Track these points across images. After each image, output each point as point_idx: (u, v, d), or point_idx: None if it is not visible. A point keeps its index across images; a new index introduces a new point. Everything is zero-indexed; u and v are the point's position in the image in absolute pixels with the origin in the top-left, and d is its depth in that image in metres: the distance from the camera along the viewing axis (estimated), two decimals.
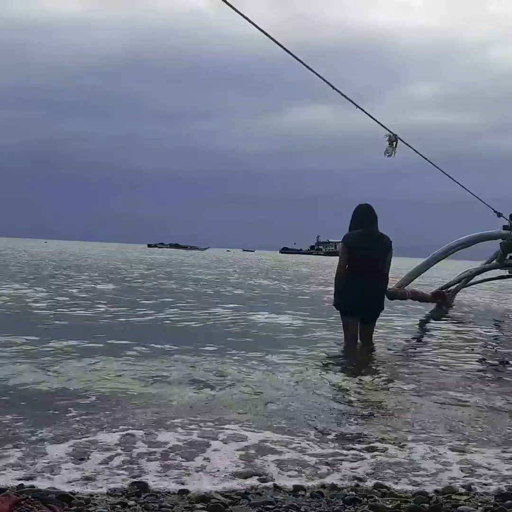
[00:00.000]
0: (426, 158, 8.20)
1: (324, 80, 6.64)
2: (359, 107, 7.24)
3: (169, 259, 44.63)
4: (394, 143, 7.15)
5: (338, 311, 7.38)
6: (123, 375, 5.29)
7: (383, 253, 7.03)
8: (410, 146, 7.64)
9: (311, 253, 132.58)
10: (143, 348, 6.64)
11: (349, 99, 7.03)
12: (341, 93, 6.91)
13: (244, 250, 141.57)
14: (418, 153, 7.96)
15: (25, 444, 3.40)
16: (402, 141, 7.32)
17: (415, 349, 8.02)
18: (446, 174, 8.76)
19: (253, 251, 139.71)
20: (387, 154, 7.20)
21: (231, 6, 5.33)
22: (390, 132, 7.17)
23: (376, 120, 7.27)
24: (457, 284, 13.40)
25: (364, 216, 7.05)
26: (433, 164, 8.42)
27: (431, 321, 11.13)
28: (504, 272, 13.91)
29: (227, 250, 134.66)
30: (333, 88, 6.79)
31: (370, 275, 6.92)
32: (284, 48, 6.12)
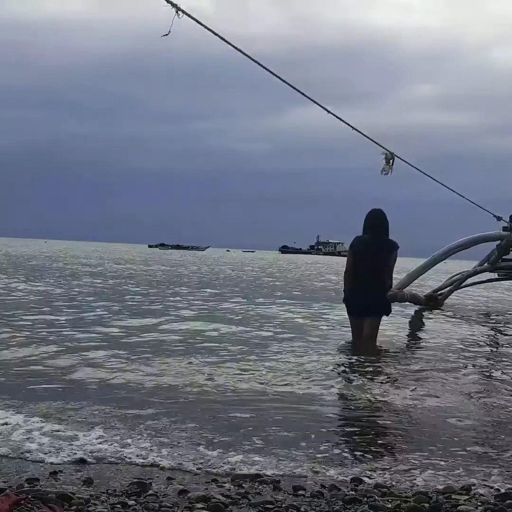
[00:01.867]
0: (426, 174, 8.36)
1: (321, 106, 6.75)
2: (356, 129, 7.34)
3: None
4: (391, 161, 7.27)
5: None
6: None
7: (383, 258, 7.30)
8: (407, 163, 7.75)
9: (311, 253, 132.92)
10: None
11: (346, 123, 7.12)
12: (338, 117, 7.02)
13: (244, 251, 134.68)
14: (417, 169, 8.09)
15: None
16: (400, 158, 7.43)
17: (413, 350, 8.09)
18: (446, 186, 8.91)
19: (254, 251, 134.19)
20: (384, 172, 7.31)
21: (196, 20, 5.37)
22: (387, 150, 7.27)
23: (372, 140, 7.32)
24: (449, 287, 13.47)
25: (373, 220, 7.42)
26: (432, 178, 8.56)
27: (425, 323, 11.14)
28: (494, 276, 13.99)
29: (227, 250, 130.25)
30: (329, 112, 6.89)
31: (370, 277, 7.25)
32: (272, 72, 6.23)
